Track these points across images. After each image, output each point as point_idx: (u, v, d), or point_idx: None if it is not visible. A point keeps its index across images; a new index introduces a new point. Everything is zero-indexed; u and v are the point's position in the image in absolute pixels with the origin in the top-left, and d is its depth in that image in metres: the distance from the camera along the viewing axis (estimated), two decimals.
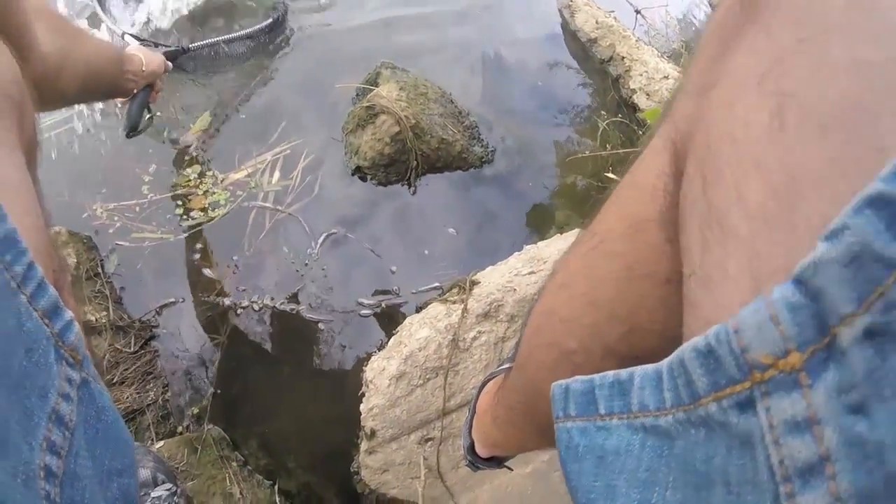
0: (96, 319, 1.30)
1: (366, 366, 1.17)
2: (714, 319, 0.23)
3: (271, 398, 1.29)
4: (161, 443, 1.19)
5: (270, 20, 1.90)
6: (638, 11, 2.95)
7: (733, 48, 0.31)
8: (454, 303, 1.17)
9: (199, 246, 1.37)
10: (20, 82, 0.52)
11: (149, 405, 1.27)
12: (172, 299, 1.34)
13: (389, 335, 1.23)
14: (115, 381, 1.27)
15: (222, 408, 1.27)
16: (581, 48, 2.31)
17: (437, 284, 1.34)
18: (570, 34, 2.35)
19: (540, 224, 1.53)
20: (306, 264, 1.36)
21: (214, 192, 1.40)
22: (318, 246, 1.37)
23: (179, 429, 1.26)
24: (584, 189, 1.69)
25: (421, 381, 1.12)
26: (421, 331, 1.15)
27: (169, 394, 1.30)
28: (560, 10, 2.43)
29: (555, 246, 1.27)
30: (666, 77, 2.13)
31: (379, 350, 1.20)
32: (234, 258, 1.36)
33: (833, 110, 0.24)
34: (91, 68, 0.93)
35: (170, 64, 1.40)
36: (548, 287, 0.55)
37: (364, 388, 1.14)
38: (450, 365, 1.12)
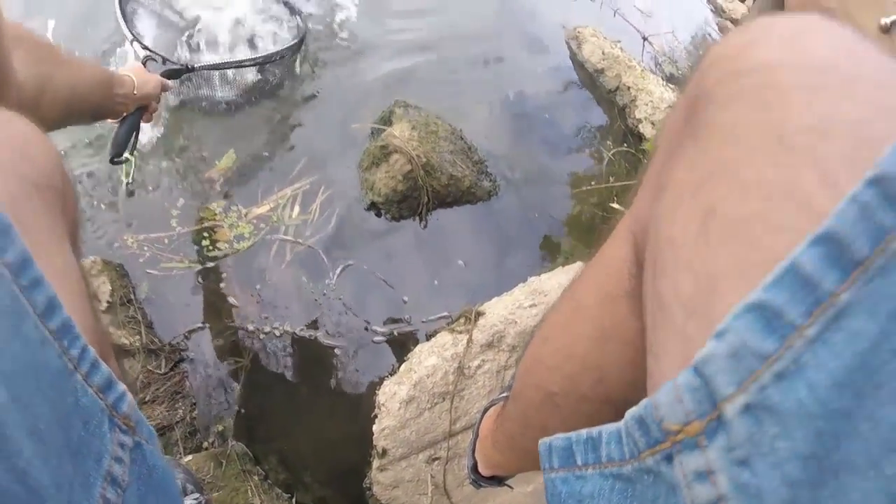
0: (130, 343, 1.40)
1: (378, 389, 1.26)
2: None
3: (290, 417, 1.38)
4: (189, 457, 1.29)
5: (285, 46, 1.84)
6: (645, 38, 3.03)
7: (678, 156, 0.38)
8: (460, 332, 1.26)
9: (224, 275, 1.47)
10: (61, 167, 0.55)
11: (177, 422, 1.37)
12: (199, 325, 1.44)
13: (401, 361, 1.32)
14: (147, 399, 1.37)
15: (245, 425, 1.36)
16: (589, 78, 2.39)
17: (445, 314, 1.43)
18: (579, 65, 2.43)
19: (546, 254, 1.62)
20: (324, 294, 1.45)
21: (239, 226, 1.50)
22: (335, 276, 1.46)
23: (205, 444, 1.36)
24: (589, 219, 1.77)
25: (429, 405, 1.21)
26: (429, 359, 1.23)
27: (196, 412, 1.39)
28: (567, 42, 2.52)
29: (556, 279, 1.35)
30: (671, 106, 2.21)
31: (391, 375, 1.30)
32: (257, 287, 1.46)
33: (741, 223, 0.30)
34: (75, 93, 0.92)
35: (169, 83, 1.40)
36: (536, 335, 0.66)
37: (376, 410, 1.23)
38: (455, 391, 1.20)
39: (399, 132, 1.51)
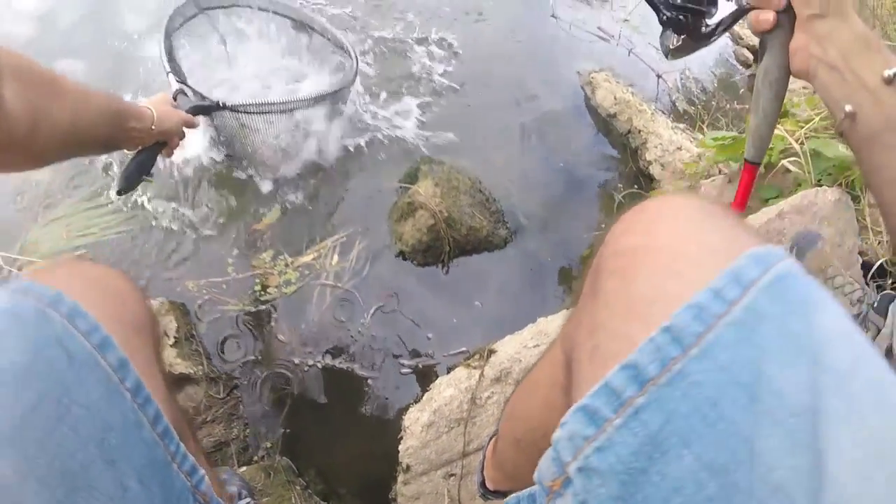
0: (193, 372, 1.63)
1: (404, 415, 1.46)
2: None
3: (328, 437, 1.60)
4: (243, 468, 1.51)
5: (329, 91, 1.81)
6: (659, 76, 3.19)
7: (586, 308, 0.51)
8: (475, 367, 1.47)
9: (273, 315, 1.70)
10: (148, 308, 0.68)
11: (233, 439, 1.60)
12: (252, 357, 1.67)
13: (424, 391, 1.53)
14: (207, 420, 1.60)
15: (290, 443, 1.59)
16: (603, 122, 2.58)
17: (464, 349, 1.64)
18: (593, 109, 2.63)
19: (556, 295, 1.82)
20: (359, 331, 1.68)
21: (286, 272, 1.74)
22: (368, 316, 1.69)
23: (256, 458, 1.58)
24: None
25: (446, 429, 1.41)
26: (447, 390, 1.44)
27: (248, 431, 1.62)
28: (582, 87, 2.71)
29: (558, 321, 1.54)
30: (679, 148, 2.38)
31: (415, 402, 1.50)
32: (302, 326, 1.69)
33: (607, 355, 0.43)
34: (77, 126, 0.88)
35: (195, 121, 1.36)
36: (512, 395, 0.90)
37: (402, 433, 1.44)
38: (469, 417, 1.40)
39: (423, 189, 1.74)
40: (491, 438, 1.11)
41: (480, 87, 2.48)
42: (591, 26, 3.35)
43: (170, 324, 1.66)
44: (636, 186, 2.35)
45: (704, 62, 3.51)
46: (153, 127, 1.14)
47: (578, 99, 2.67)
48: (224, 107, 1.53)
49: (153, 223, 1.87)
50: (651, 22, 3.40)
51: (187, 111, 1.34)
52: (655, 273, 0.44)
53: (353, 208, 1.90)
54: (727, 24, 0.96)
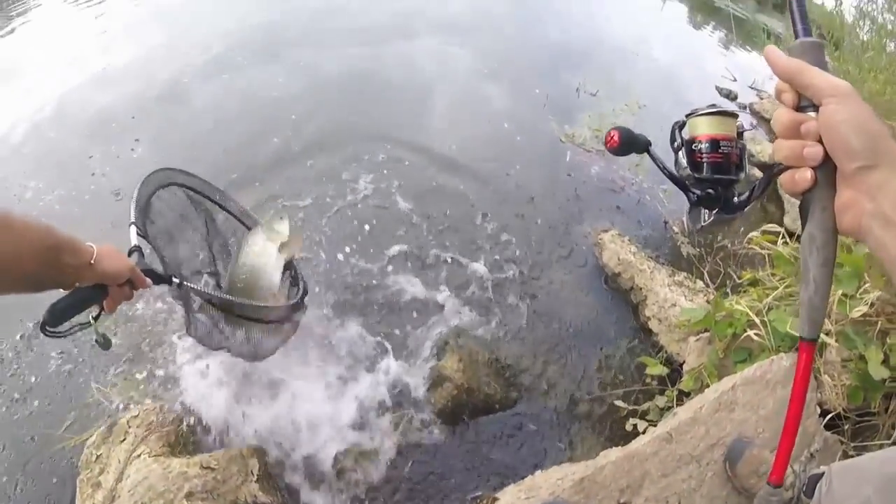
0: (271, 500, 2.08)
1: None
2: None
3: None
4: None
5: (290, 302, 1.84)
6: (666, 222, 3.66)
7: None
8: None
9: None
10: None
11: None
12: None
13: None
14: None
15: None
16: (609, 279, 3.05)
17: (479, 493, 2.06)
18: (601, 268, 3.10)
19: (554, 450, 2.23)
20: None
21: None
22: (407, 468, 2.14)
23: None
24: (589, 415, 2.37)
25: None
26: None
27: None
28: (592, 248, 3.20)
29: (550, 476, 1.96)
30: (674, 305, 2.79)
31: None
32: None
33: None
34: (7, 264, 0.85)
35: (146, 281, 1.28)
36: None
37: None
38: None
39: (449, 364, 2.23)
40: None
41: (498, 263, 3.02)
42: (604, 178, 3.89)
43: (253, 463, 2.11)
44: (637, 340, 2.78)
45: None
46: (91, 262, 1.06)
47: (589, 257, 3.15)
48: (179, 284, 1.42)
49: None
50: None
51: (140, 269, 1.27)
52: None
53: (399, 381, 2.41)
54: (760, 189, 0.93)
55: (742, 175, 0.98)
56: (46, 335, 1.13)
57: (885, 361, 1.91)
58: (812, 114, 0.71)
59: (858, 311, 1.98)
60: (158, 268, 1.44)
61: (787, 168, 0.74)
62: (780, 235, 2.51)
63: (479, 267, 2.93)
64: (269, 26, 5.84)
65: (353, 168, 3.60)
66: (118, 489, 1.71)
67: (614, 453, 1.80)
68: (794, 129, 0.72)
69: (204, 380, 2.24)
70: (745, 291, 2.54)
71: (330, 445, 2.12)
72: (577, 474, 1.75)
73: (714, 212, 1.02)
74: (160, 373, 2.28)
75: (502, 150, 4.00)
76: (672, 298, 2.80)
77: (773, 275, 2.49)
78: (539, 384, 2.42)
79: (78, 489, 1.85)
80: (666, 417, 2.10)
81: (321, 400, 2.23)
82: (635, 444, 1.83)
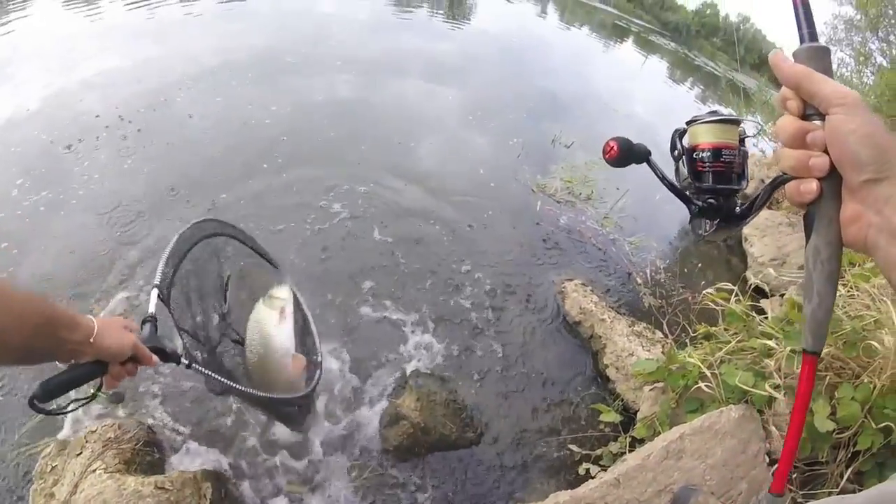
0: None
1: None
2: None
3: None
4: None
5: (297, 395, 1.79)
6: (630, 273, 3.76)
7: None
8: None
9: None
10: None
11: None
12: None
13: None
14: None
15: None
16: (570, 327, 3.11)
17: None
18: (563, 316, 3.17)
19: (505, 493, 2.26)
20: None
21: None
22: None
23: None
24: (554, 459, 2.40)
25: None
26: None
27: None
28: (555, 296, 3.28)
29: None
30: (631, 354, 2.86)
31: None
32: None
33: None
34: None
35: (152, 358, 1.20)
36: None
37: None
38: None
39: (407, 404, 2.25)
40: None
41: (464, 306, 3.08)
42: (572, 229, 3.99)
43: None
44: (594, 387, 2.83)
45: (672, 256, 4.09)
46: (91, 340, 1.01)
47: (552, 305, 3.22)
48: (188, 365, 1.34)
49: None
50: (630, 214, 4.08)
51: (148, 346, 1.20)
52: None
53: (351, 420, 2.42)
54: (762, 200, 0.90)
55: (744, 184, 0.95)
56: (36, 411, 1.04)
57: (833, 414, 1.98)
58: (818, 122, 0.69)
59: None
60: (171, 342, 1.34)
61: (791, 178, 0.72)
62: (734, 293, 2.60)
63: (442, 308, 2.98)
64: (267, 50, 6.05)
65: (330, 198, 3.69)
66: (71, 501, 1.70)
67: (563, 496, 1.83)
68: (799, 138, 0.70)
69: (164, 402, 2.25)
70: (700, 344, 2.62)
71: (281, 476, 2.11)
72: None
73: (716, 222, 0.96)
74: (120, 390, 2.24)
75: (475, 196, 4.11)
76: (630, 348, 2.87)
77: (725, 330, 2.56)
78: (495, 426, 2.45)
79: (31, 499, 1.83)
80: (616, 463, 2.14)
81: (280, 432, 2.23)
82: (583, 489, 1.86)
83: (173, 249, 1.52)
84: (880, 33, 5.93)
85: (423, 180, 4.14)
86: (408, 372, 2.52)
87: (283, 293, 1.91)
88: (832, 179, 0.69)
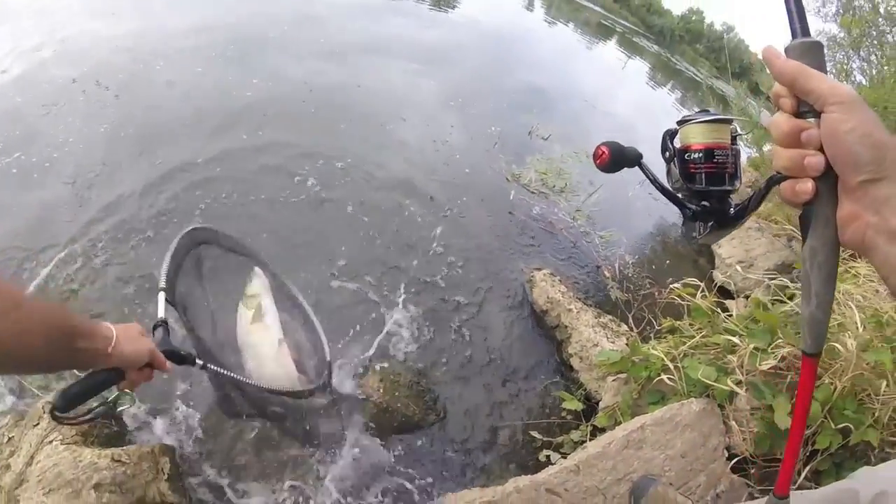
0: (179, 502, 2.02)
1: None
2: None
3: None
4: None
5: (311, 386, 1.78)
6: (599, 266, 3.79)
7: None
8: None
9: None
10: None
11: None
12: None
13: None
14: None
15: None
16: (537, 316, 3.12)
17: None
18: (530, 304, 3.18)
19: (467, 474, 2.26)
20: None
21: None
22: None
23: None
24: (515, 444, 2.41)
25: None
26: None
27: None
28: (524, 285, 3.29)
29: (464, 498, 1.97)
30: (595, 345, 2.87)
31: None
32: None
33: None
34: (11, 344, 0.83)
35: (166, 365, 1.22)
36: None
37: None
38: None
39: (371, 383, 2.24)
40: None
41: (433, 288, 3.06)
42: (544, 220, 4.01)
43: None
44: (559, 376, 2.85)
45: (638, 250, 4.13)
46: (109, 350, 1.03)
47: (520, 293, 3.23)
48: (203, 366, 1.36)
49: None
50: (602, 209, 4.10)
51: (162, 352, 1.22)
52: None
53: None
54: (756, 201, 0.88)
55: (737, 184, 0.93)
56: (58, 422, 1.08)
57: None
58: (812, 120, 0.67)
59: (768, 363, 2.09)
60: (184, 345, 1.37)
61: (785, 178, 0.71)
62: (700, 289, 2.63)
63: (411, 290, 2.97)
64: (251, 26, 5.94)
65: (305, 172, 3.64)
66: (27, 473, 1.66)
67: (522, 481, 1.83)
68: (793, 136, 0.68)
69: None
70: (664, 338, 2.65)
71: (239, 454, 2.08)
72: (485, 498, 1.78)
73: (709, 225, 0.95)
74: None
75: (450, 182, 4.09)
76: (595, 339, 2.89)
77: (690, 325, 2.60)
78: (458, 409, 2.45)
79: None
80: (576, 450, 2.15)
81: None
82: (543, 474, 1.86)
83: (173, 254, 1.53)
84: (862, 53, 6.06)
85: (400, 161, 4.11)
86: (372, 353, 2.50)
87: (254, 289, 1.89)
88: (828, 179, 0.68)
